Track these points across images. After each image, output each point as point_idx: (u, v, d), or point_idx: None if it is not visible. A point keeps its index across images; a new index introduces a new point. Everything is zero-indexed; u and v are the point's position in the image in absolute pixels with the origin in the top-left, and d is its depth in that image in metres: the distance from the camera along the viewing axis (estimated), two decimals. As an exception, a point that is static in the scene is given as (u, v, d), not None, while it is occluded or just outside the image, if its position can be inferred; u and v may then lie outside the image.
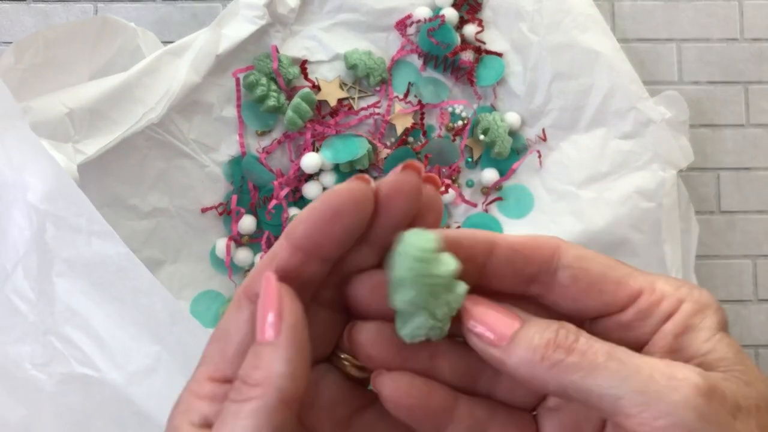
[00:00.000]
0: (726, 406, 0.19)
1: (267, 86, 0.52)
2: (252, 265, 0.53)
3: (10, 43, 0.56)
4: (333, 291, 0.22)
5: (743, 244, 0.57)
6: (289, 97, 0.53)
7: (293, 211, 0.52)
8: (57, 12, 0.56)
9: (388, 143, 0.54)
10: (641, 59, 0.57)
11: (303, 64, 0.53)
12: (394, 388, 0.22)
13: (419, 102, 0.54)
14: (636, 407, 0.18)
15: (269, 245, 0.52)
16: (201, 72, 0.50)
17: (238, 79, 0.52)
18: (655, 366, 0.19)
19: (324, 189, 0.53)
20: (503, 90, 0.54)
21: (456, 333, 0.22)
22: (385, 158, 0.53)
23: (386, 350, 0.22)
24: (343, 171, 0.53)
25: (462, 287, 0.21)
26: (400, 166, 0.21)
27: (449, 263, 0.20)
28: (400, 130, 0.54)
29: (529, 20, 0.53)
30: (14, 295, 0.41)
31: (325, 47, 0.54)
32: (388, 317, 0.21)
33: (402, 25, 0.54)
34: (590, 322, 0.23)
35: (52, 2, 0.56)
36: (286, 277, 0.21)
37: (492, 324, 0.21)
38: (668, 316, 0.21)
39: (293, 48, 0.53)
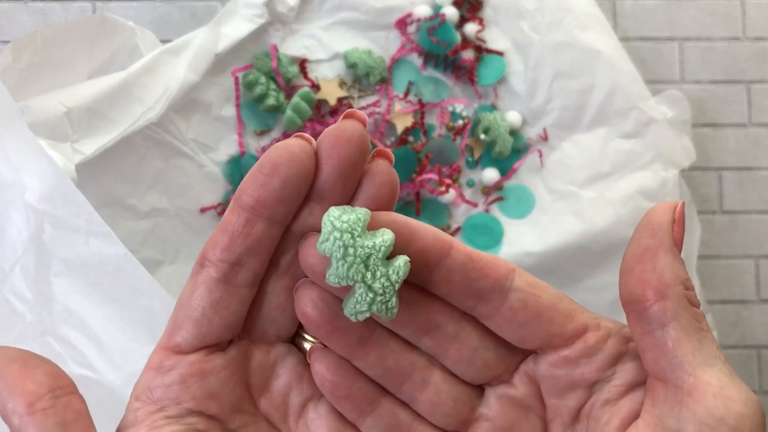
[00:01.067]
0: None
1: (266, 85, 0.51)
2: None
3: (8, 41, 0.55)
4: (294, 257, 0.22)
5: (745, 244, 0.57)
6: (289, 96, 0.52)
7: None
8: (55, 11, 0.56)
9: (388, 142, 0.54)
10: (643, 58, 0.57)
11: (302, 63, 0.53)
12: (321, 365, 0.22)
13: (419, 101, 0.54)
14: (708, 395, 0.20)
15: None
16: (200, 71, 0.50)
17: (237, 78, 0.52)
18: (732, 380, 0.20)
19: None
20: (504, 89, 0.54)
21: (400, 329, 0.22)
22: (385, 158, 0.53)
23: (319, 315, 0.21)
24: (343, 170, 0.52)
25: (401, 259, 0.20)
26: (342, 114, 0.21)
27: (382, 234, 0.20)
28: (400, 129, 0.53)
29: (530, 19, 0.52)
30: (12, 296, 0.41)
31: (324, 46, 0.54)
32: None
33: (402, 24, 0.53)
34: (534, 357, 0.22)
35: (51, 1, 0.56)
36: (233, 242, 0.20)
37: (682, 232, 0.21)
38: (617, 357, 0.21)
39: (293, 47, 0.53)
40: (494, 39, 0.54)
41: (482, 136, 0.53)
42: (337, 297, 0.21)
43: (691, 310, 0.20)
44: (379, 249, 0.20)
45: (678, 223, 0.21)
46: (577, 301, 0.24)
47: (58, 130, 0.45)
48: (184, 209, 0.52)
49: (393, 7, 0.53)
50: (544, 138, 0.53)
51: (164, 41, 0.50)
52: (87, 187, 0.47)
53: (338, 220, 0.20)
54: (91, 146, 0.46)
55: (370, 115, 0.53)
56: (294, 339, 0.23)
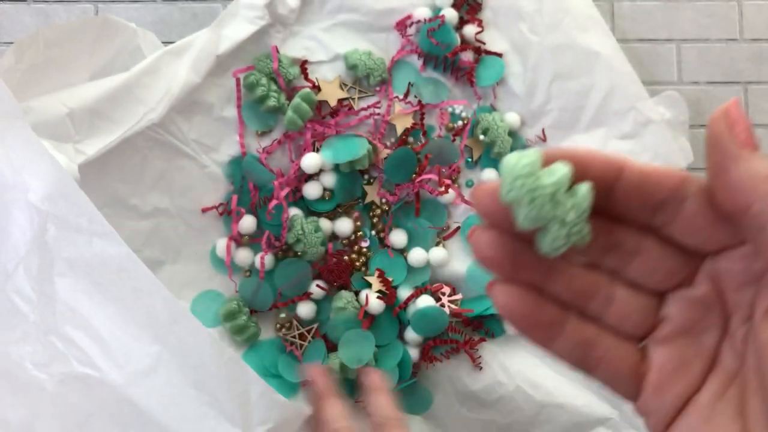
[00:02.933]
0: None
1: (267, 86, 0.52)
2: (252, 264, 0.53)
3: (11, 43, 0.56)
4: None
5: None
6: (290, 98, 0.53)
7: (293, 211, 0.52)
8: (57, 12, 0.56)
9: (388, 143, 0.54)
10: (641, 59, 0.57)
11: (303, 65, 0.53)
12: (507, 299, 0.23)
13: (419, 102, 0.54)
14: None
15: (269, 245, 0.52)
16: (201, 72, 0.50)
17: (238, 80, 0.52)
18: None
19: (324, 189, 0.53)
20: (503, 90, 0.55)
21: (574, 254, 0.23)
22: (385, 158, 0.53)
23: (503, 258, 0.22)
24: (343, 171, 0.53)
25: (584, 187, 0.21)
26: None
27: (558, 170, 0.21)
28: (400, 130, 0.54)
29: (529, 20, 0.53)
30: (15, 295, 0.41)
31: (325, 47, 0.54)
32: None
33: (402, 26, 0.54)
34: (713, 257, 0.23)
35: (53, 2, 0.56)
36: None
37: (746, 128, 0.21)
38: None
39: (293, 48, 0.53)
40: (493, 40, 0.55)
41: (481, 137, 0.53)
42: (512, 236, 0.22)
43: None
44: (562, 184, 0.21)
45: (737, 123, 0.21)
46: None
47: (60, 130, 0.45)
48: (186, 209, 0.52)
49: (393, 9, 0.54)
50: (543, 139, 0.54)
51: (166, 43, 0.51)
52: (89, 188, 0.48)
53: (516, 166, 0.21)
54: (93, 147, 0.46)
55: (370, 116, 0.53)
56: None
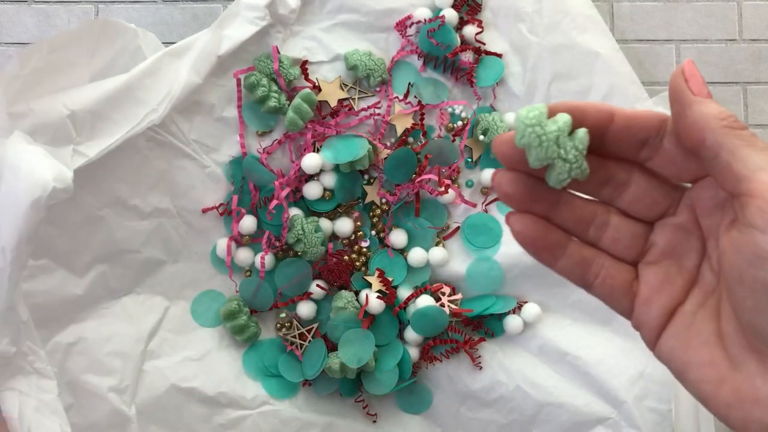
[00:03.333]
0: None
1: (268, 87, 0.52)
2: (252, 264, 0.53)
3: (11, 43, 0.56)
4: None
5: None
6: (290, 98, 0.53)
7: (293, 211, 0.53)
8: (58, 12, 0.56)
9: (388, 143, 0.54)
10: (640, 60, 0.57)
11: (303, 65, 0.54)
12: (521, 226, 0.28)
13: (419, 102, 0.54)
14: (763, 190, 0.23)
15: (270, 245, 0.52)
16: (202, 73, 0.50)
17: (239, 80, 0.52)
18: None
19: (324, 189, 0.53)
20: (503, 90, 0.55)
21: (572, 188, 0.28)
22: (385, 158, 0.53)
23: (519, 192, 0.27)
24: (344, 171, 0.53)
25: (582, 131, 0.26)
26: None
27: (560, 119, 0.26)
28: (400, 130, 0.54)
29: (529, 21, 0.53)
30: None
31: (325, 48, 0.54)
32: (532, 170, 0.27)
33: (402, 26, 0.54)
34: (689, 189, 0.28)
35: (53, 3, 0.56)
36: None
37: (699, 81, 0.26)
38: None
39: (294, 49, 0.54)
40: (493, 41, 0.55)
41: (481, 137, 0.53)
42: (525, 175, 0.27)
43: (732, 133, 0.24)
44: (564, 130, 0.26)
45: (691, 77, 0.26)
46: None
47: (62, 132, 0.45)
48: (187, 210, 0.52)
49: (393, 10, 0.54)
50: (543, 139, 0.54)
51: (166, 43, 0.51)
52: (90, 188, 0.48)
53: (527, 117, 0.26)
54: (94, 148, 0.46)
55: (370, 116, 0.54)
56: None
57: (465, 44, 0.54)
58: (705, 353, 0.26)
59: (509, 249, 0.53)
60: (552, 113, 0.26)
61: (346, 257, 0.53)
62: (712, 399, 0.26)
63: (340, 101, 0.54)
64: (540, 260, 0.29)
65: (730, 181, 0.24)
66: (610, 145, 0.27)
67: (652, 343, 0.28)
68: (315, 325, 0.53)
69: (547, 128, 0.26)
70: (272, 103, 0.52)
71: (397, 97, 0.54)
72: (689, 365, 0.26)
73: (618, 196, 0.28)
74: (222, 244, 0.52)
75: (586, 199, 0.29)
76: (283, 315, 0.54)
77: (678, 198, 0.28)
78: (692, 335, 0.27)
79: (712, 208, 0.27)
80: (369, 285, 0.53)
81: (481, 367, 0.53)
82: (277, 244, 0.52)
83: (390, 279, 0.53)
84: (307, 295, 0.53)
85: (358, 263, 0.53)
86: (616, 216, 0.29)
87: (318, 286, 0.53)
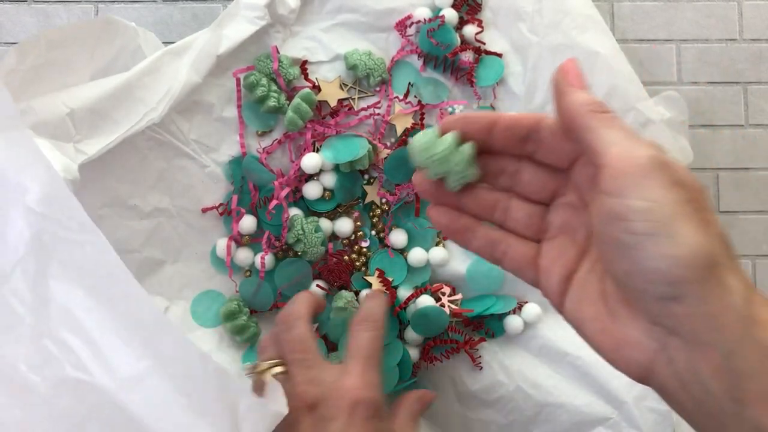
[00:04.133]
0: (668, 173, 0.27)
1: (267, 87, 0.52)
2: (252, 265, 0.53)
3: (12, 43, 0.56)
4: None
5: (742, 244, 0.58)
6: (290, 98, 0.53)
7: (293, 211, 0.53)
8: (58, 12, 0.56)
9: (388, 143, 0.54)
10: (640, 60, 0.57)
11: (303, 65, 0.53)
12: (437, 215, 0.35)
13: (419, 102, 0.54)
14: (611, 158, 0.28)
15: (270, 245, 0.52)
16: (201, 72, 0.50)
17: (238, 80, 0.52)
18: (633, 140, 0.28)
19: (324, 189, 0.53)
20: (503, 90, 0.55)
21: (477, 181, 0.34)
22: (385, 158, 0.53)
23: (431, 191, 0.35)
24: (344, 171, 0.53)
25: (468, 146, 0.33)
26: None
27: (446, 140, 0.33)
28: (400, 130, 0.54)
29: (529, 21, 0.53)
30: (12, 297, 0.41)
31: (325, 48, 0.54)
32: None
33: (402, 26, 0.54)
34: (572, 171, 0.33)
35: (53, 2, 0.56)
36: None
37: (576, 75, 0.31)
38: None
39: (293, 48, 0.54)
40: (493, 40, 0.55)
41: (481, 137, 0.53)
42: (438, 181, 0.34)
43: (595, 116, 0.29)
44: (450, 147, 0.32)
45: (568, 72, 0.31)
46: None
47: (61, 130, 0.45)
48: (186, 209, 0.52)
49: (393, 9, 0.54)
50: (543, 139, 0.54)
51: (166, 43, 0.51)
52: (89, 188, 0.48)
53: (420, 144, 0.33)
54: (93, 147, 0.46)
55: (370, 116, 0.54)
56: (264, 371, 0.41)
57: (465, 44, 0.54)
58: (592, 310, 0.31)
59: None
60: (445, 128, 0.33)
61: (346, 257, 0.53)
62: (600, 348, 0.30)
63: (340, 101, 0.54)
64: (457, 242, 0.35)
65: (592, 156, 0.29)
66: (498, 143, 0.33)
67: (559, 307, 0.33)
68: (315, 325, 0.53)
69: (436, 150, 0.32)
70: (272, 102, 0.52)
71: (397, 97, 0.54)
72: (582, 321, 0.31)
73: (514, 184, 0.34)
74: (222, 244, 0.52)
75: (488, 189, 0.35)
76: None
77: (566, 181, 0.33)
78: (584, 296, 0.31)
79: (589, 183, 0.31)
80: (369, 285, 0.53)
81: (481, 368, 0.53)
82: (277, 244, 0.52)
83: (390, 279, 0.52)
84: None
85: (358, 263, 0.53)
86: (517, 201, 0.34)
87: (318, 286, 0.53)
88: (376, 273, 0.53)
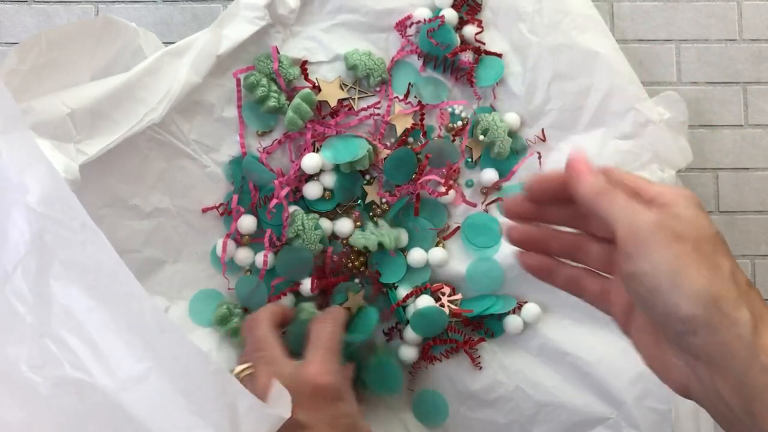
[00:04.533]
0: (669, 232, 0.31)
1: (267, 87, 0.52)
2: (252, 264, 0.53)
3: (12, 43, 0.56)
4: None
5: (742, 244, 0.58)
6: (290, 98, 0.53)
7: (294, 208, 0.53)
8: (58, 12, 0.56)
9: (388, 143, 0.54)
10: (640, 60, 0.57)
11: (303, 65, 0.54)
12: (527, 260, 0.39)
13: (419, 102, 0.54)
14: (620, 229, 0.32)
15: (271, 243, 0.52)
16: (202, 72, 0.50)
17: (238, 80, 0.52)
18: (636, 209, 0.32)
19: (324, 189, 0.53)
20: (503, 90, 0.55)
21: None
22: (385, 158, 0.53)
23: (520, 237, 0.39)
24: (344, 171, 0.53)
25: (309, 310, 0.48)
26: None
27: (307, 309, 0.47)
28: (400, 130, 0.54)
29: (529, 21, 0.53)
30: (13, 297, 0.41)
31: (325, 48, 0.54)
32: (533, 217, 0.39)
33: (402, 26, 0.54)
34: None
35: (53, 3, 0.56)
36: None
37: (576, 167, 0.35)
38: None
39: (293, 49, 0.54)
40: (493, 41, 0.55)
41: (481, 137, 0.53)
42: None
43: (602, 196, 0.33)
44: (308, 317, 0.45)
45: (575, 163, 0.35)
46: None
47: (62, 131, 0.45)
48: (187, 209, 0.52)
49: (393, 10, 0.54)
50: (543, 139, 0.54)
51: (167, 43, 0.51)
52: (90, 188, 0.48)
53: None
54: (94, 147, 0.47)
55: (370, 116, 0.54)
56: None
57: (465, 44, 0.54)
58: (647, 338, 0.35)
59: (509, 249, 0.53)
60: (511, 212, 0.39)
61: (344, 260, 0.53)
62: (655, 370, 0.34)
63: (340, 101, 0.54)
64: (543, 281, 0.39)
65: (610, 228, 0.33)
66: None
67: (627, 333, 0.36)
68: (283, 331, 0.52)
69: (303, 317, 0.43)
70: (272, 103, 0.52)
71: (397, 97, 0.54)
72: (641, 347, 0.35)
73: (594, 231, 0.37)
74: (222, 244, 0.52)
75: (572, 234, 0.38)
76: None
77: None
78: (641, 326, 0.35)
79: None
80: (346, 299, 0.53)
81: (481, 367, 0.53)
82: (278, 243, 0.52)
83: (384, 288, 0.53)
84: (297, 286, 0.53)
85: (356, 263, 0.53)
86: (594, 244, 0.37)
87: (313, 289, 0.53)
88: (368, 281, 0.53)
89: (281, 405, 0.40)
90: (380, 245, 0.51)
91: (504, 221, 0.40)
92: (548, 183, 0.37)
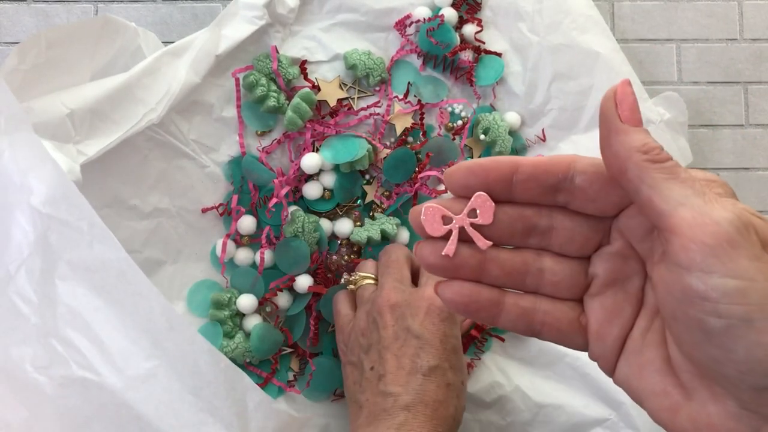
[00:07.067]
0: (756, 234, 0.23)
1: (267, 86, 0.52)
2: (252, 264, 0.53)
3: (11, 43, 0.56)
4: None
5: (742, 244, 0.58)
6: (289, 98, 0.53)
7: (294, 209, 0.53)
8: (57, 12, 0.56)
9: (388, 143, 0.54)
10: (641, 60, 0.57)
11: (303, 64, 0.53)
12: (450, 292, 0.27)
13: (419, 102, 0.54)
14: (683, 224, 0.23)
15: (269, 241, 0.52)
16: (201, 72, 0.50)
17: (237, 80, 0.52)
18: (708, 196, 0.24)
19: (324, 189, 0.53)
20: (502, 90, 0.55)
21: (503, 243, 0.28)
22: (384, 158, 0.53)
23: (441, 263, 0.27)
24: (343, 171, 0.53)
25: None
26: None
27: None
28: (399, 130, 0.54)
29: (529, 20, 0.53)
30: (17, 297, 0.41)
31: (324, 47, 0.54)
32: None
33: (401, 25, 0.54)
34: (616, 218, 0.27)
35: (53, 2, 0.56)
36: None
37: (630, 106, 0.25)
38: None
39: (293, 48, 0.54)
40: (493, 40, 0.55)
41: (482, 137, 0.53)
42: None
43: (653, 167, 0.24)
44: None
45: (622, 102, 0.25)
46: None
47: (61, 131, 0.45)
48: (186, 209, 0.52)
49: (392, 9, 0.54)
50: (543, 139, 0.54)
51: (166, 43, 0.51)
52: (89, 188, 0.48)
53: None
54: (93, 147, 0.47)
55: (369, 116, 0.54)
56: None
57: (464, 43, 0.54)
58: (657, 382, 0.26)
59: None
60: (448, 182, 0.27)
61: (337, 258, 0.53)
62: (670, 426, 0.26)
63: (340, 101, 0.54)
64: (480, 321, 0.30)
65: (653, 215, 0.24)
66: (520, 194, 0.27)
67: (610, 372, 0.28)
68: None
69: None
70: (271, 102, 0.52)
71: (396, 97, 0.54)
72: (645, 394, 0.26)
73: (548, 242, 0.28)
74: (221, 243, 0.52)
75: (514, 251, 0.28)
76: (268, 310, 0.53)
77: (608, 227, 0.28)
78: (644, 362, 0.26)
79: (642, 234, 0.27)
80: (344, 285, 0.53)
81: (473, 366, 0.53)
82: (275, 241, 0.52)
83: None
84: (291, 280, 0.53)
85: (352, 255, 0.53)
86: (550, 259, 0.28)
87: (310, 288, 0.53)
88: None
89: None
90: (382, 233, 0.52)
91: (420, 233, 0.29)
92: (485, 176, 0.27)
